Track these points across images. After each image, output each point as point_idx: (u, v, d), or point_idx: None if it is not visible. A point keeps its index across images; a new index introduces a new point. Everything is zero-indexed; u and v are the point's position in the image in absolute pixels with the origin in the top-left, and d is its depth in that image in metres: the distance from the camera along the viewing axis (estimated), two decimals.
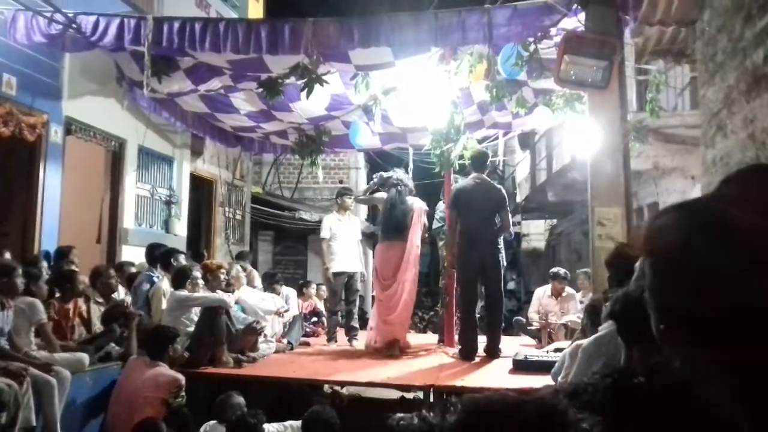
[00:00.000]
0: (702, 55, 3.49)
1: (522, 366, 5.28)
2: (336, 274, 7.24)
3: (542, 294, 7.77)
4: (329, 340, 7.41)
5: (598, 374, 0.99)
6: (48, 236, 6.44)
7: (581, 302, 6.90)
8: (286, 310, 7.31)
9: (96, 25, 5.60)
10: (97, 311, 5.49)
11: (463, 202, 6.06)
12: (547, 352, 5.84)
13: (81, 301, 5.29)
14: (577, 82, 4.92)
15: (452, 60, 6.00)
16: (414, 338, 7.49)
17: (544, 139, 14.11)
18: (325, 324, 7.97)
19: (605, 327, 2.68)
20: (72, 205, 7.09)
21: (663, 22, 4.76)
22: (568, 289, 7.62)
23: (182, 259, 6.50)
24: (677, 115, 8.47)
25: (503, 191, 6.45)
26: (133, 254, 7.57)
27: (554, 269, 8.02)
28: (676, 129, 8.19)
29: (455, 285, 6.42)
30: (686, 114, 8.37)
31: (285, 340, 6.95)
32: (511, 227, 6.69)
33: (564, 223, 15.74)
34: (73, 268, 5.78)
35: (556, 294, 7.55)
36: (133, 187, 8.15)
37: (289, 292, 8.02)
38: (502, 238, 6.30)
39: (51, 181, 6.55)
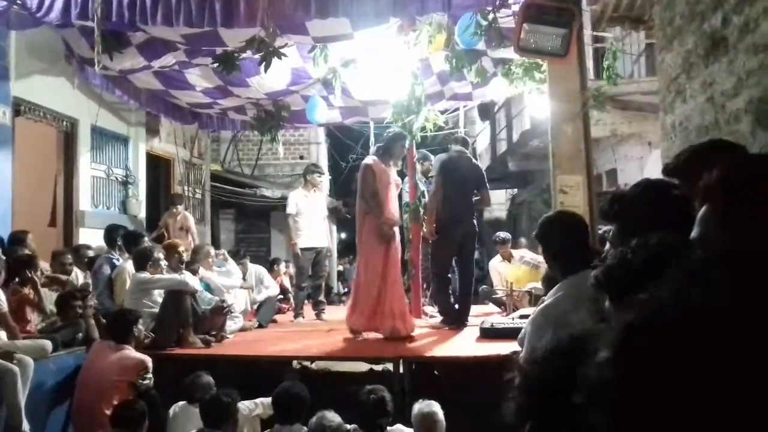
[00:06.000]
0: (660, 20, 3.52)
1: (489, 334, 5.36)
2: (303, 250, 7.23)
3: (497, 263, 7.97)
4: (296, 315, 7.40)
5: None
6: (1, 221, 6.24)
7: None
8: (249, 287, 7.25)
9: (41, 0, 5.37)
10: (50, 296, 5.38)
11: (449, 173, 6.14)
12: (513, 319, 5.93)
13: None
14: (536, 50, 4.94)
15: (411, 31, 5.95)
16: None
17: (504, 109, 14.18)
18: (292, 300, 7.95)
19: (550, 295, 2.73)
20: (24, 188, 6.87)
21: None
22: (521, 252, 7.85)
23: (145, 241, 6.37)
24: (634, 82, 8.58)
25: (481, 168, 6.61)
26: (90, 237, 7.39)
27: (495, 236, 8.23)
28: (633, 96, 8.30)
29: (431, 252, 6.47)
30: (643, 81, 8.48)
31: (254, 319, 6.90)
32: (489, 203, 6.88)
33: (525, 193, 15.90)
34: (28, 252, 5.62)
35: (507, 258, 7.76)
36: (87, 168, 7.93)
37: (260, 270, 7.88)
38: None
39: (1, 165, 6.32)
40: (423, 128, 6.87)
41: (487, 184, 6.52)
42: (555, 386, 0.82)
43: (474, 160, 6.71)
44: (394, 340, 5.50)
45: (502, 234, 8.15)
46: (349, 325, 5.80)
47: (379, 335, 5.72)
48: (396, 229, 5.79)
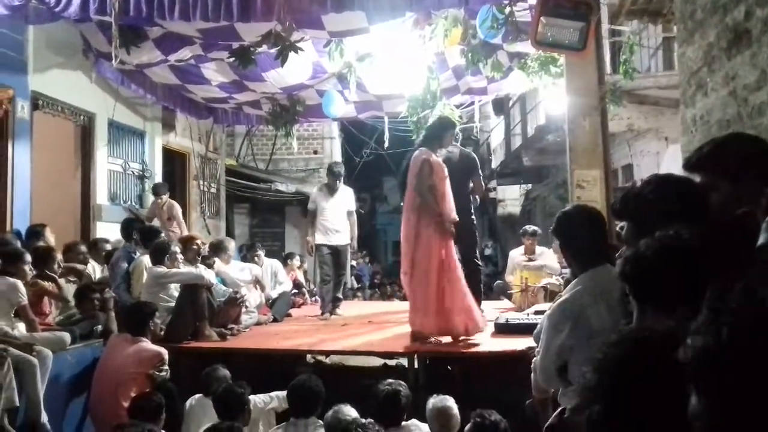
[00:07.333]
0: (681, 13, 3.48)
1: (504, 329, 5.34)
2: (317, 246, 7.16)
3: (516, 254, 7.86)
4: (324, 311, 7.13)
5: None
6: (20, 215, 6.29)
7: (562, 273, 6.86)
8: (263, 286, 7.20)
9: None
10: (69, 288, 5.43)
11: None
12: (528, 314, 5.91)
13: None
14: (554, 44, 4.91)
15: (427, 25, 5.93)
16: (396, 306, 7.48)
17: (519, 104, 14.11)
18: (307, 295, 7.95)
19: (567, 291, 2.72)
20: (42, 182, 6.93)
21: None
22: (542, 249, 7.67)
23: (162, 235, 6.40)
24: (650, 77, 8.49)
25: (473, 155, 6.42)
26: (107, 231, 7.44)
27: (525, 227, 8.07)
28: (650, 90, 8.21)
29: None
30: (660, 75, 8.40)
31: (269, 314, 6.91)
32: (484, 191, 6.54)
33: (539, 188, 15.84)
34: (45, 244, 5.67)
35: (529, 252, 7.61)
36: (104, 162, 7.98)
37: (275, 265, 7.89)
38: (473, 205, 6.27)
39: (20, 159, 6.36)
40: None
41: (480, 172, 6.23)
42: (631, 373, 0.87)
43: (465, 149, 6.45)
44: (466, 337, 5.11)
45: (532, 227, 7.97)
46: (416, 329, 5.21)
47: (394, 329, 5.70)
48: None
